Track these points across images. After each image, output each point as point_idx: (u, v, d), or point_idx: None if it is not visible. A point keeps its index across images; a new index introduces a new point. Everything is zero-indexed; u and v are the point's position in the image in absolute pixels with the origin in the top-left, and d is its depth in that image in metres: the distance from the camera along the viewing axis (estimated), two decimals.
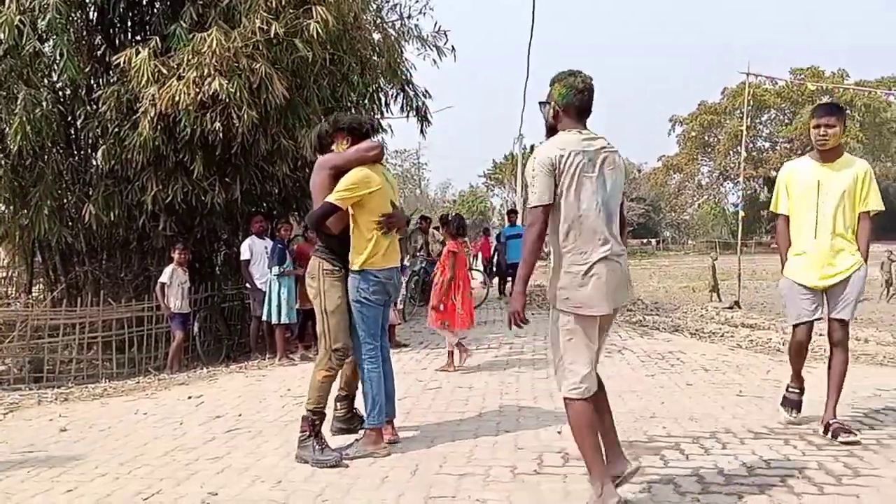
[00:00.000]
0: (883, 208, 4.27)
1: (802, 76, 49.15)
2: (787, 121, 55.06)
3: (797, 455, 3.92)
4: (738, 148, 45.53)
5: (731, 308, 12.64)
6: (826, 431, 4.21)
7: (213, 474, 3.92)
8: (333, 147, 4.33)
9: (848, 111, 49.97)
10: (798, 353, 4.48)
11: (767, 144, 57.62)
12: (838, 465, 3.73)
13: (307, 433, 4.07)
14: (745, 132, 18.68)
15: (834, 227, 4.17)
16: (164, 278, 8.06)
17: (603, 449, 3.22)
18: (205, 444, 4.55)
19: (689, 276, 23.55)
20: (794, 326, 4.41)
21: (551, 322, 3.20)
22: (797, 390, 4.59)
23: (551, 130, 3.28)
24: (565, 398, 3.16)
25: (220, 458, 4.22)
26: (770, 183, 57.80)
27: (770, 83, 49.76)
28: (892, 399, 5.23)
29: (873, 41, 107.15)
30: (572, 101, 3.19)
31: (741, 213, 18.14)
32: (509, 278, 14.02)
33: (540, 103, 3.44)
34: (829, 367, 4.38)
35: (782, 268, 4.44)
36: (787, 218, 4.41)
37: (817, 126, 4.21)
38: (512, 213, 15.63)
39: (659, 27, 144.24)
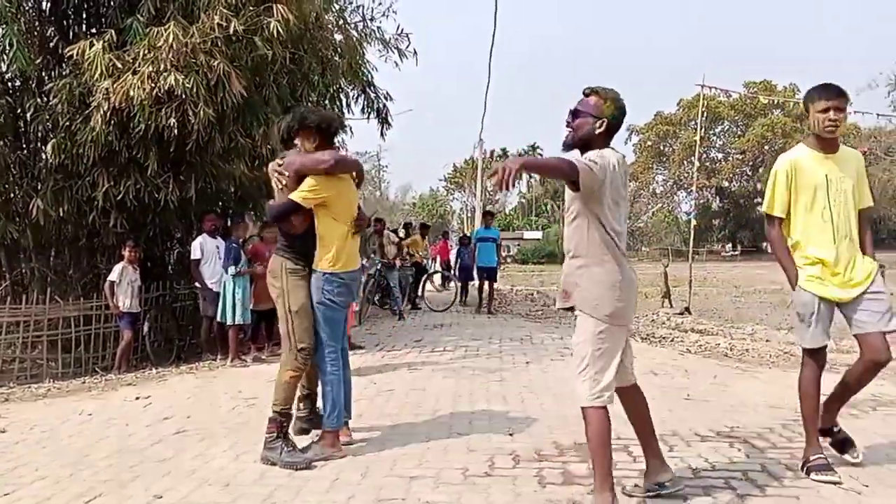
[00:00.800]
0: (872, 204, 3.78)
1: (755, 90, 50.48)
2: (739, 132, 56.47)
3: (741, 458, 4.03)
4: (692, 158, 46.47)
5: (681, 314, 12.88)
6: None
7: (160, 477, 3.85)
8: (297, 143, 4.25)
9: (798, 125, 51.33)
10: (816, 387, 3.73)
11: (720, 155, 59.04)
12: (780, 467, 3.84)
13: (275, 434, 4.02)
14: (699, 143, 19.04)
15: (850, 229, 3.62)
16: (113, 276, 7.89)
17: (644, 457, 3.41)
18: (152, 445, 4.46)
19: (641, 281, 23.57)
20: (813, 351, 3.71)
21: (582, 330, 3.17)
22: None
23: (582, 144, 3.20)
24: (586, 408, 3.17)
25: (167, 461, 4.14)
26: (721, 193, 59.33)
27: (724, 95, 51.12)
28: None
29: (822, 56, 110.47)
30: (617, 124, 3.23)
31: (693, 222, 18.55)
32: (474, 282, 13.76)
33: (573, 111, 3.28)
34: (856, 381, 3.78)
35: (791, 280, 3.70)
36: (781, 220, 3.72)
37: (826, 109, 3.55)
38: (489, 214, 14.50)
39: (618, 37, 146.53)
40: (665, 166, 58.83)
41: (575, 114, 3.21)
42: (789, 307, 4.69)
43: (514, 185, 2.83)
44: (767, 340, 9.34)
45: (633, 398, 3.44)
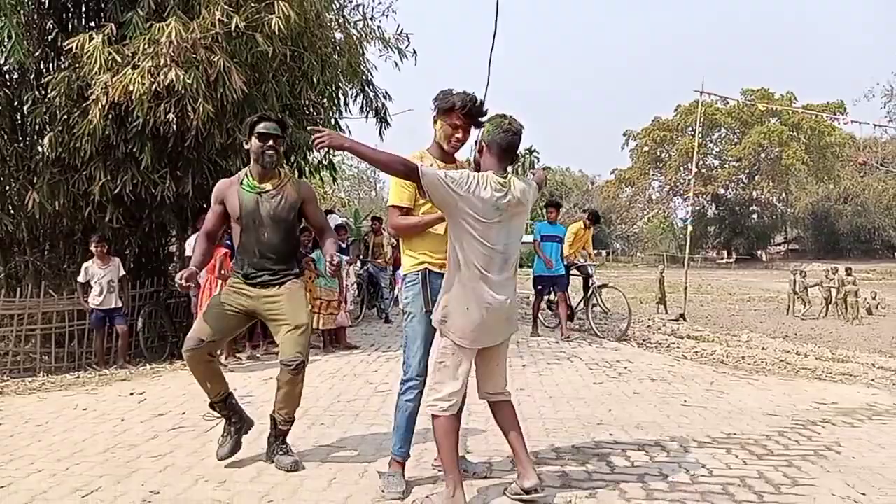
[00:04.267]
0: None
1: (753, 97, 50.65)
2: (736, 140, 56.60)
3: (738, 464, 4.03)
4: (689, 164, 46.62)
5: (676, 320, 12.90)
6: None
7: (155, 472, 3.82)
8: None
9: (794, 133, 51.59)
10: None
11: (717, 162, 59.13)
12: (777, 474, 3.84)
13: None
14: (696, 149, 19.10)
15: None
16: (80, 277, 7.85)
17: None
18: (147, 441, 4.43)
19: (636, 287, 23.93)
20: None
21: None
22: None
23: (476, 163, 3.49)
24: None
25: (162, 457, 4.11)
26: (717, 200, 59.46)
27: (722, 102, 51.33)
28: (829, 412, 5.41)
29: (820, 68, 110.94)
30: (493, 143, 3.37)
31: (689, 228, 18.53)
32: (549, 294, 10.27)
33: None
34: None
35: None
36: None
37: None
38: (554, 206, 10.68)
39: (617, 42, 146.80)
40: (661, 172, 58.90)
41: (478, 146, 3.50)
42: None
43: (322, 150, 3.22)
44: (763, 348, 9.36)
45: (500, 412, 3.56)
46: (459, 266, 3.24)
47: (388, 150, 3.34)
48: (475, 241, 3.22)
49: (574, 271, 10.63)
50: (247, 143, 4.03)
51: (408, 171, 3.22)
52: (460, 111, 3.47)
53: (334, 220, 10.75)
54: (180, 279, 3.67)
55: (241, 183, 4.02)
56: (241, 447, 4.07)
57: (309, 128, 3.11)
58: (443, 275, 3.39)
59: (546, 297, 10.45)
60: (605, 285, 10.90)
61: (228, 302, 3.94)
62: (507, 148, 3.35)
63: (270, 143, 3.94)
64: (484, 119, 3.48)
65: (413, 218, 3.50)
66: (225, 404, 4.08)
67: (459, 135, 3.53)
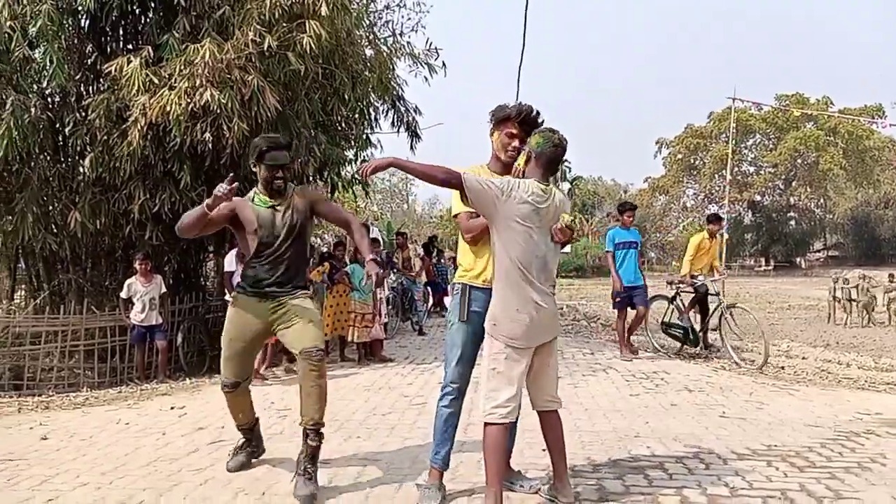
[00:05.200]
0: None
1: (787, 102, 49.84)
2: (771, 146, 55.70)
3: (779, 477, 3.96)
4: (724, 171, 46.00)
5: (714, 330, 12.68)
6: None
7: (197, 486, 3.89)
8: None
9: (831, 138, 50.51)
10: None
11: (752, 169, 58.19)
12: (820, 486, 3.77)
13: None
14: (730, 156, 18.89)
15: None
16: (123, 293, 8.04)
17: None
18: (188, 455, 4.51)
19: None
20: None
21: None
22: None
23: (519, 171, 3.54)
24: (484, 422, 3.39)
25: (203, 470, 4.18)
26: (754, 207, 58.57)
27: (755, 108, 50.60)
28: (873, 423, 5.29)
29: (857, 70, 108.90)
30: (542, 155, 3.46)
31: (725, 236, 18.28)
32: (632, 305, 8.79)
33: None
34: None
35: None
36: None
37: None
38: (629, 207, 9.49)
39: (648, 50, 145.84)
40: (696, 179, 58.15)
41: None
42: None
43: (371, 174, 3.43)
44: (804, 357, 9.18)
45: (549, 424, 3.57)
46: (505, 272, 3.35)
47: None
48: (518, 245, 3.33)
49: (684, 287, 9.27)
50: (254, 167, 4.11)
51: (450, 179, 3.34)
52: (516, 119, 3.60)
53: (373, 232, 10.88)
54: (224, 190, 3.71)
55: (253, 200, 4.13)
56: (250, 467, 4.23)
57: (357, 170, 3.31)
58: (481, 288, 3.51)
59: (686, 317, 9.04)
60: (734, 305, 9.07)
61: (242, 334, 4.01)
62: (553, 160, 3.49)
63: (279, 173, 4.03)
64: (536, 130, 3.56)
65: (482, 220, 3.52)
66: (251, 431, 4.32)
67: (516, 143, 3.61)
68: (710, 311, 9.15)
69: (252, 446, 4.32)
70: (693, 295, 9.24)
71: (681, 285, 9.38)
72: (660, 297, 9.79)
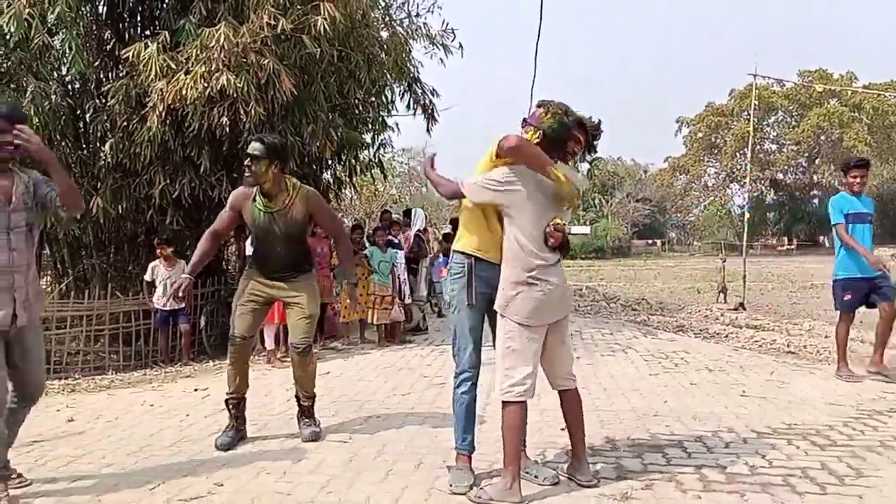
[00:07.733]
0: None
1: (810, 78, 48.99)
2: (794, 123, 54.86)
3: (800, 455, 3.94)
4: (745, 150, 45.43)
5: (736, 309, 12.62)
6: None
7: (220, 466, 3.95)
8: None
9: (856, 114, 49.56)
10: None
11: (774, 147, 57.41)
12: (841, 465, 3.74)
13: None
14: (752, 134, 18.61)
15: None
16: (147, 276, 8.13)
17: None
18: (210, 435, 4.57)
19: (693, 277, 23.51)
20: None
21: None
22: None
23: None
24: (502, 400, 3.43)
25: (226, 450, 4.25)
26: (776, 185, 57.84)
27: (778, 85, 49.82)
28: None
29: (882, 44, 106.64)
30: (555, 136, 3.49)
31: (747, 214, 18.06)
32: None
33: (523, 120, 3.55)
34: None
35: None
36: None
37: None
38: (859, 166, 6.28)
39: (667, 28, 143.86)
40: (717, 158, 57.48)
41: (523, 123, 3.57)
42: None
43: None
44: (826, 336, 9.06)
45: (569, 403, 3.60)
46: (515, 253, 3.37)
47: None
48: (528, 224, 3.37)
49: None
50: None
51: (455, 193, 3.55)
52: (590, 128, 3.68)
53: (417, 216, 10.87)
54: (174, 291, 4.11)
55: (254, 199, 4.30)
56: (238, 445, 4.39)
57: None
58: (489, 263, 3.49)
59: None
60: None
61: (252, 296, 4.40)
62: (561, 141, 3.52)
63: (251, 164, 4.15)
64: (541, 107, 3.56)
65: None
66: (238, 407, 4.54)
67: (577, 148, 3.69)
68: None
69: (239, 425, 4.52)
70: None
71: None
72: None
